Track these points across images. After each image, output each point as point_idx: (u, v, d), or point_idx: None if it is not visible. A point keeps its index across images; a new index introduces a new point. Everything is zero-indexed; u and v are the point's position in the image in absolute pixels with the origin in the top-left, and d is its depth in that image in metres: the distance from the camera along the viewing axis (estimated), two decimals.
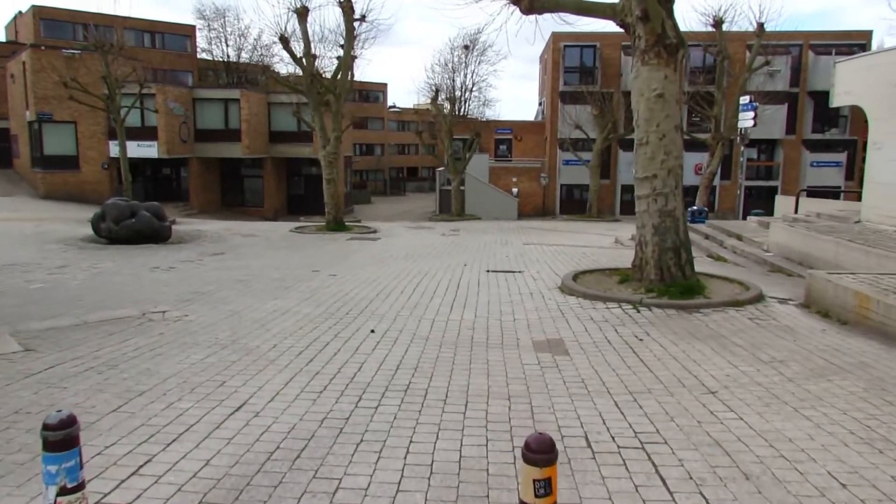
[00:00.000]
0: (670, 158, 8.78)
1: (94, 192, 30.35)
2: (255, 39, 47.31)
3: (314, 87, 19.80)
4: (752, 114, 19.42)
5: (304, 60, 19.23)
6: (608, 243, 18.69)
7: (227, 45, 55.25)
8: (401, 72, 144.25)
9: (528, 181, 39.83)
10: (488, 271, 11.69)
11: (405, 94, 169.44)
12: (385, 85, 70.66)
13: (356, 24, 18.82)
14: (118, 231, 15.25)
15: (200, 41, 54.86)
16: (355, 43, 19.22)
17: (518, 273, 11.44)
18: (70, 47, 31.84)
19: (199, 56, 54.86)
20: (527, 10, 9.60)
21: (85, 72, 28.05)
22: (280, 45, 18.95)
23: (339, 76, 19.62)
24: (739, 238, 14.94)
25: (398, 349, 6.12)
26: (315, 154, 35.52)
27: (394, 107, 77.63)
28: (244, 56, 54.91)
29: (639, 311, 7.81)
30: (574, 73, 38.72)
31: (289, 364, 5.56)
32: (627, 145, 38.37)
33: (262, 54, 19.43)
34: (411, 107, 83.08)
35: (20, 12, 50.26)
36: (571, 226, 28.02)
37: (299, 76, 20.73)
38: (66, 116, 30.85)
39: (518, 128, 44.19)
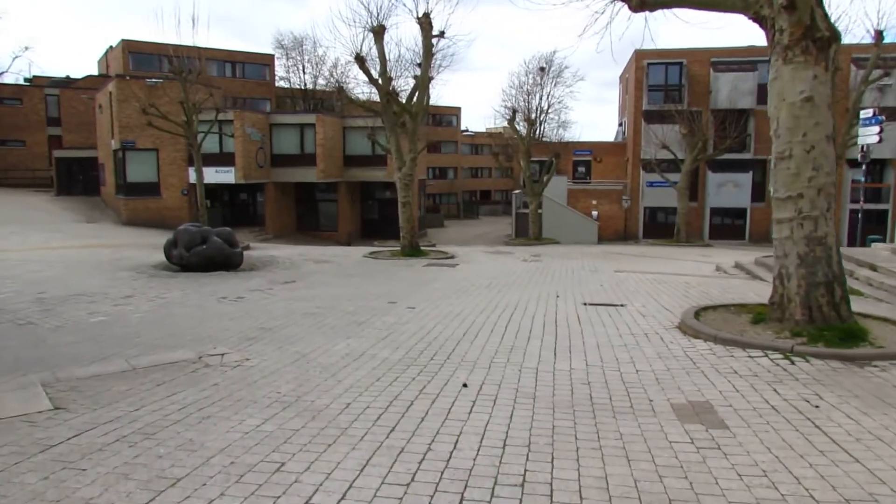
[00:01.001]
0: (820, 175, 7.20)
1: (174, 218, 30.63)
2: (331, 67, 47.71)
3: (390, 108, 19.01)
4: (876, 128, 17.27)
5: (379, 80, 18.49)
6: (709, 271, 16.88)
7: (304, 73, 56.19)
8: (472, 98, 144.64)
9: (609, 204, 37.99)
10: (585, 304, 10.28)
11: (477, 118, 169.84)
12: (458, 109, 70.28)
13: (435, 40, 17.95)
14: (189, 258, 14.70)
15: (278, 70, 56.07)
16: (433, 61, 18.33)
17: (620, 307, 9.97)
18: (153, 77, 32.57)
19: (276, 84, 55.99)
20: (637, 7, 8.29)
21: (167, 100, 28.44)
22: (356, 66, 18.25)
23: (415, 96, 18.77)
24: (873, 268, 12.93)
25: (500, 413, 4.83)
26: (389, 177, 35.03)
27: (466, 130, 77.21)
28: (320, 83, 55.65)
29: (793, 363, 6.24)
30: (658, 91, 36.84)
31: (364, 435, 4.36)
32: (716, 166, 36.04)
33: (337, 80, 19.09)
34: (484, 130, 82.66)
35: (111, 47, 52.75)
36: (660, 251, 26.09)
37: (375, 102, 20.01)
38: (149, 144, 31.45)
39: (597, 149, 42.49)
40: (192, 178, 30.76)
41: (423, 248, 20.24)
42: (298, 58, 55.03)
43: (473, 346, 7.04)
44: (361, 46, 18.04)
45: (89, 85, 47.69)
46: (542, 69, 38.25)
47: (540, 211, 33.10)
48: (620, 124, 46.23)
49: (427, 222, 45.06)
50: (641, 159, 36.66)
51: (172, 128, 22.75)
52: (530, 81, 36.57)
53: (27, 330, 8.62)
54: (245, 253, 18.97)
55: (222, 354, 6.70)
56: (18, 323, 9.11)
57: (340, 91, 18.98)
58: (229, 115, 30.70)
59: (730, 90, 34.15)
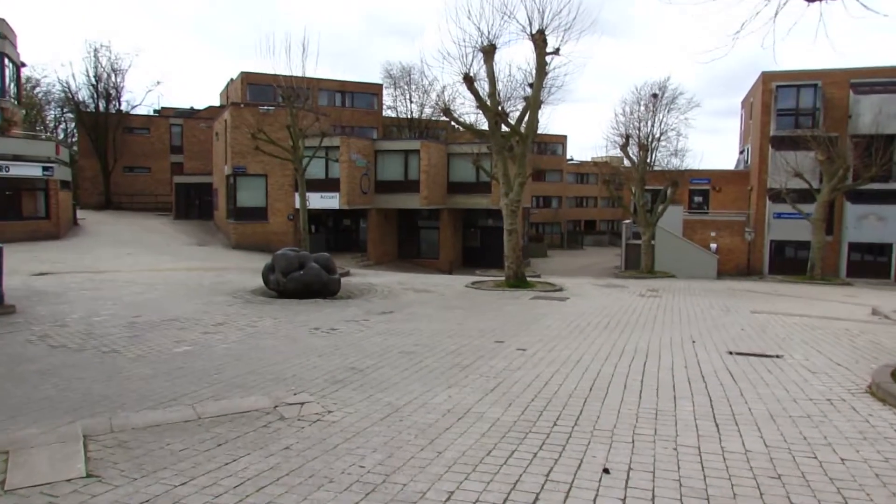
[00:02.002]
0: None
1: (279, 243, 30.90)
2: (438, 94, 47.59)
3: (498, 130, 17.92)
4: None
5: (488, 101, 17.47)
6: (864, 315, 14.45)
7: (411, 102, 56.67)
8: (577, 128, 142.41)
9: (730, 236, 35.03)
10: (731, 353, 8.54)
11: (582, 148, 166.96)
12: (564, 137, 68.63)
13: (549, 58, 16.74)
14: (286, 284, 14.08)
15: (386, 99, 56.85)
16: (545, 81, 17.12)
17: (777, 358, 8.17)
18: (267, 105, 33.37)
19: (384, 113, 56.78)
20: None
21: (277, 126, 28.88)
22: (462, 91, 17.34)
23: (525, 117, 17.59)
24: None
25: None
26: (492, 205, 33.96)
27: (572, 159, 75.33)
28: (427, 111, 55.89)
29: None
30: (789, 116, 33.79)
31: None
32: (857, 197, 32.42)
33: (444, 102, 18.43)
34: (589, 160, 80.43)
35: (232, 79, 55.43)
36: (794, 289, 23.28)
37: (483, 130, 18.98)
38: (258, 170, 32.07)
39: (716, 177, 39.57)
40: (299, 202, 31.04)
41: (528, 278, 18.84)
42: (406, 87, 55.59)
43: (606, 408, 5.60)
44: (471, 67, 17.12)
45: (210, 115, 50.18)
46: (654, 95, 36.20)
47: (653, 242, 30.84)
48: (742, 151, 43.03)
49: (530, 252, 43.51)
50: (768, 189, 33.60)
51: (279, 152, 22.75)
52: (642, 108, 34.61)
53: (108, 360, 8.01)
54: (343, 280, 18.31)
55: (302, 404, 5.63)
56: (103, 351, 8.56)
57: (447, 112, 18.05)
58: (336, 142, 30.79)
59: (875, 114, 30.67)
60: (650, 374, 6.99)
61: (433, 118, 56.49)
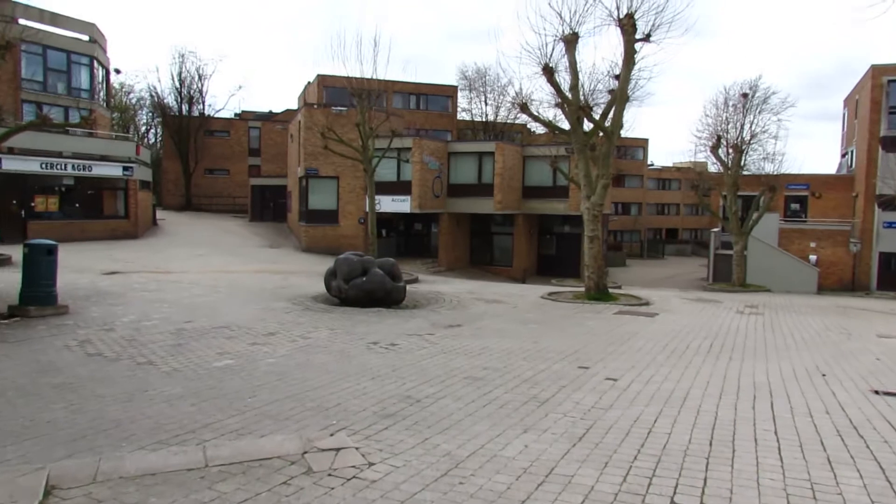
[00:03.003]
0: None
1: (349, 246, 30.29)
2: (514, 94, 46.10)
3: (580, 127, 16.44)
4: None
5: (570, 95, 16.04)
6: None
7: (486, 105, 55.51)
8: (657, 132, 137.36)
9: (832, 247, 31.97)
10: (877, 392, 6.85)
11: (662, 153, 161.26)
12: (645, 141, 65.72)
13: (638, 45, 15.16)
14: (347, 291, 13.10)
15: (461, 101, 55.92)
16: (633, 71, 15.53)
17: None
18: (340, 106, 32.93)
19: (458, 116, 55.85)
20: None
21: (350, 127, 28.32)
22: (540, 86, 15.97)
23: (611, 112, 16.04)
24: None
25: None
26: (570, 210, 32.24)
27: (652, 164, 72.17)
28: (502, 114, 54.61)
29: None
30: None
31: None
32: None
33: (521, 97, 17.12)
34: (671, 165, 76.95)
35: (309, 82, 55.86)
36: None
37: (563, 128, 17.49)
38: (331, 172, 31.62)
39: (815, 183, 36.37)
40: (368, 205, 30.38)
41: (610, 290, 17.21)
42: (481, 89, 54.48)
43: (739, 477, 4.15)
44: (550, 58, 15.74)
45: (286, 118, 50.64)
46: (744, 95, 33.59)
47: (745, 253, 28.36)
48: (844, 154, 39.54)
49: (609, 260, 41.35)
50: (878, 195, 30.44)
51: (348, 151, 22.00)
52: (731, 109, 32.09)
53: (140, 373, 7.16)
54: (410, 287, 17.26)
55: (337, 450, 4.46)
56: (138, 362, 7.74)
57: (524, 108, 16.72)
58: (408, 143, 29.94)
59: None
60: (784, 423, 5.45)
61: (509, 121, 55.13)
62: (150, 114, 59.54)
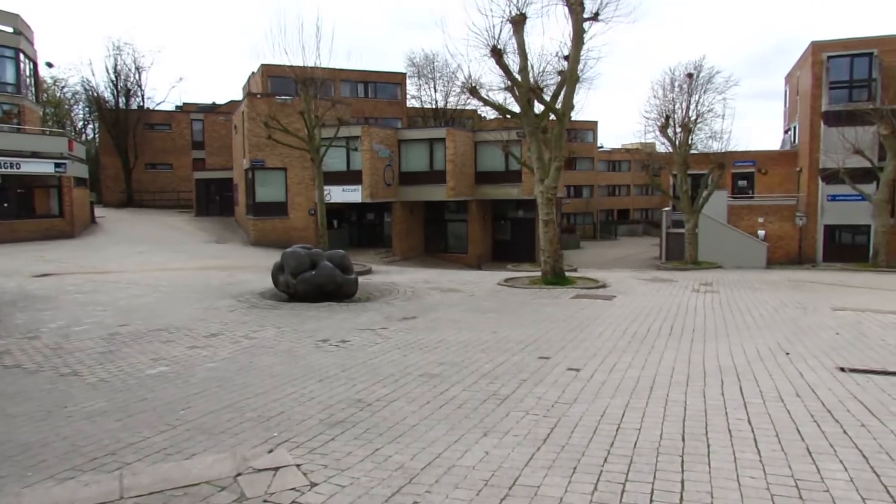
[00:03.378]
0: None
1: (300, 239, 29.46)
2: (464, 77, 45.61)
3: (530, 109, 16.10)
4: None
5: (519, 77, 15.65)
6: None
7: (436, 91, 54.87)
8: (604, 115, 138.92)
9: (779, 221, 32.59)
10: (843, 370, 6.68)
11: (610, 136, 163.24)
12: (595, 123, 66.12)
13: (587, 25, 14.85)
14: (296, 286, 12.49)
15: (410, 89, 55.13)
16: (583, 51, 15.20)
17: None
18: (284, 96, 31.88)
19: (408, 104, 55.09)
20: None
21: (296, 117, 27.42)
22: (488, 72, 15.50)
23: (561, 94, 15.72)
24: None
25: None
26: (523, 195, 32.08)
27: (602, 147, 72.77)
28: (452, 100, 54.08)
29: None
30: (842, 88, 31.18)
31: None
32: None
33: (470, 82, 16.57)
34: (620, 147, 77.78)
35: (253, 73, 54.24)
36: (862, 279, 21.02)
37: (514, 111, 17.10)
38: (277, 163, 30.64)
39: (761, 159, 37.04)
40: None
41: (567, 274, 16.99)
42: (429, 76, 53.80)
43: (718, 476, 3.81)
44: (498, 39, 15.31)
45: (231, 109, 49.04)
46: (689, 75, 33.90)
47: (696, 231, 28.65)
48: (787, 131, 40.38)
49: (563, 243, 41.44)
50: (821, 169, 31.10)
51: (294, 141, 21.20)
52: (676, 89, 32.30)
53: (61, 386, 6.50)
54: (363, 279, 16.70)
55: (276, 469, 3.95)
56: (62, 373, 7.06)
57: (474, 91, 16.28)
58: (357, 131, 29.19)
59: None
60: (756, 410, 5.17)
61: (459, 107, 54.66)
62: (86, 108, 56.96)
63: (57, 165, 27.57)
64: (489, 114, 57.39)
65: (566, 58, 15.91)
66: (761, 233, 31.89)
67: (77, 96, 58.04)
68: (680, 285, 16.50)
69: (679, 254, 30.27)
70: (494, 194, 33.05)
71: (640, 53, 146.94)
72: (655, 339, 8.50)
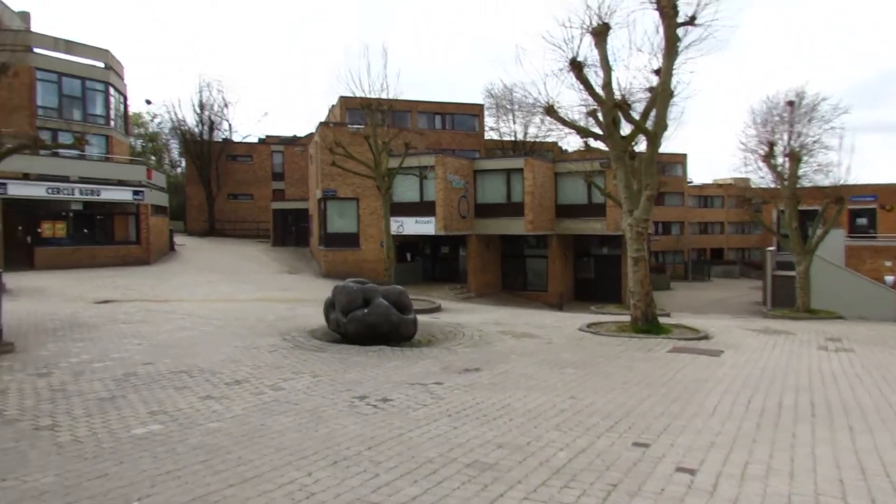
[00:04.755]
0: None
1: (371, 271, 28.38)
2: (538, 101, 43.97)
3: (616, 130, 14.23)
4: None
5: (602, 93, 13.85)
6: None
7: (514, 123, 53.48)
8: (692, 149, 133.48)
9: None
10: None
11: (700, 171, 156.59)
12: (684, 156, 62.79)
13: (681, 31, 12.93)
14: (346, 325, 11.01)
15: (488, 121, 54.05)
16: (675, 62, 13.27)
17: None
18: (357, 125, 31.23)
19: (486, 136, 53.97)
20: None
21: (367, 146, 26.59)
22: (571, 79, 13.78)
23: (653, 110, 13.79)
24: None
25: None
26: (608, 230, 29.84)
27: (692, 182, 69.07)
28: (531, 131, 52.55)
29: None
30: None
31: None
32: None
33: (547, 105, 15.00)
34: (711, 182, 73.69)
35: (333, 105, 54.76)
36: None
37: (596, 133, 15.30)
38: (350, 193, 29.89)
39: (886, 193, 33.19)
40: (392, 228, 28.45)
41: (660, 320, 14.75)
42: (508, 107, 52.48)
43: None
44: (578, 52, 13.62)
45: (309, 141, 49.44)
46: (790, 103, 30.89)
47: (808, 274, 25.44)
48: None
49: (652, 284, 38.65)
50: None
51: (361, 169, 20.08)
52: (776, 118, 29.30)
53: (23, 445, 5.29)
54: (429, 318, 15.11)
55: None
56: (39, 425, 5.91)
57: (550, 111, 14.59)
58: (430, 161, 27.99)
59: None
60: None
61: (539, 139, 53.02)
62: (177, 141, 59.17)
63: (135, 193, 27.77)
64: (570, 145, 55.48)
65: (656, 71, 14.00)
66: (889, 278, 28.16)
67: (174, 132, 60.61)
68: (799, 339, 13.91)
69: (787, 300, 27.05)
70: (576, 229, 30.95)
71: (724, 87, 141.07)
72: (795, 423, 6.36)
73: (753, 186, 33.37)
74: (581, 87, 13.83)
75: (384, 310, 10.97)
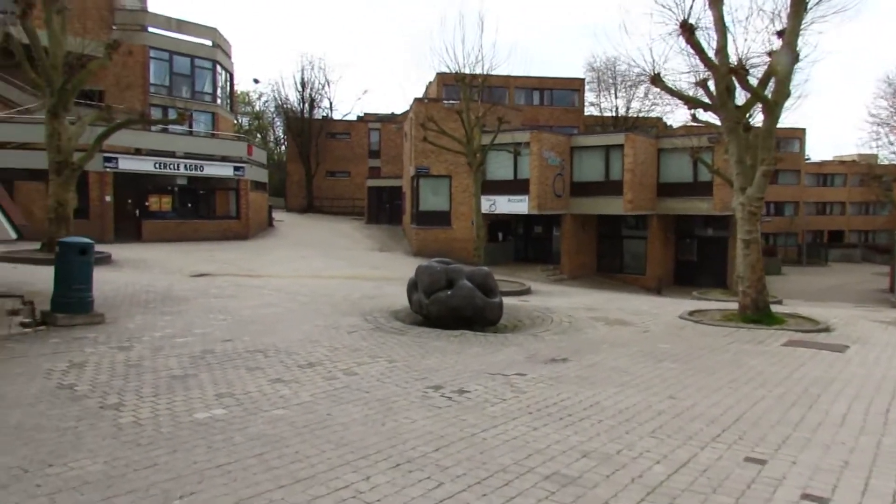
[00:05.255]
0: None
1: (461, 250, 27.97)
2: (646, 84, 41.75)
3: (730, 99, 12.88)
4: None
5: (715, 59, 12.54)
6: None
7: (616, 98, 51.24)
8: (810, 124, 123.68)
9: None
10: None
11: (819, 147, 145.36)
12: (802, 131, 58.10)
13: None
14: (428, 306, 10.56)
15: (589, 96, 52.09)
16: (804, 18, 11.77)
17: None
18: (452, 101, 30.70)
19: (586, 112, 52.07)
20: None
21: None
22: (682, 39, 12.53)
23: (772, 75, 12.34)
24: None
25: None
26: (715, 210, 27.87)
27: (808, 158, 63.93)
28: (634, 106, 50.22)
29: None
30: None
31: None
32: None
33: (652, 73, 13.79)
34: (831, 159, 68.10)
35: (430, 82, 54.49)
36: None
37: (704, 102, 14.00)
38: (443, 171, 29.49)
39: None
40: (484, 206, 27.84)
41: (773, 309, 13.37)
42: (611, 81, 50.31)
43: None
44: (689, 13, 12.36)
45: (405, 118, 49.49)
46: None
47: None
48: None
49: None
50: None
51: (452, 144, 19.55)
52: None
53: (83, 425, 5.19)
54: (515, 302, 14.45)
55: None
56: (106, 403, 5.77)
57: (656, 80, 13.42)
58: (525, 137, 27.05)
59: None
60: None
61: (642, 114, 50.58)
62: (280, 119, 60.98)
63: (236, 169, 28.59)
64: (676, 120, 52.62)
65: (779, 33, 12.50)
66: None
67: (277, 109, 62.53)
68: None
69: None
70: (679, 209, 29.15)
71: (850, 54, 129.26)
72: None
73: (883, 163, 30.27)
74: (692, 51, 12.59)
75: (468, 292, 10.42)
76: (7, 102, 27.49)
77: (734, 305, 13.82)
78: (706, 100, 13.59)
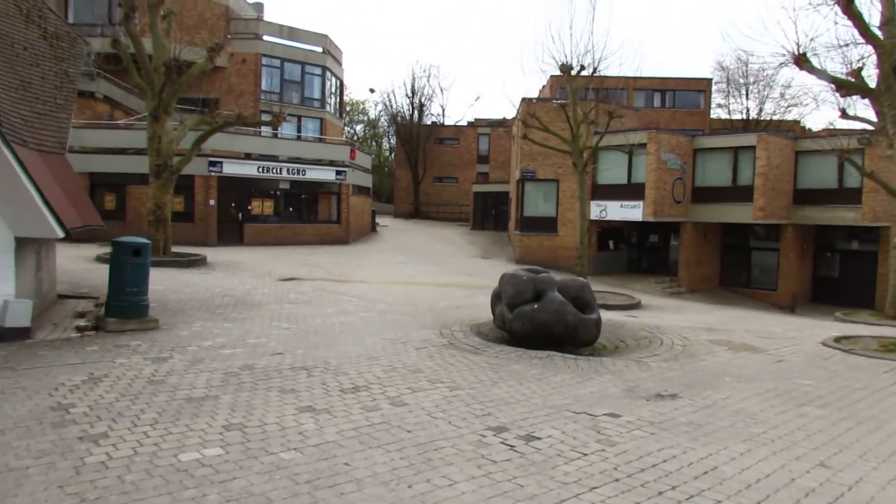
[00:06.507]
0: None
1: (568, 259, 26.08)
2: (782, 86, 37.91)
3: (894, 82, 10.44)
4: None
5: (880, 33, 10.19)
6: None
7: (748, 98, 47.05)
8: None
9: None
10: None
11: None
12: None
13: None
14: (511, 321, 9.06)
15: (716, 97, 48.23)
16: None
17: None
18: (562, 100, 28.89)
19: (712, 114, 48.26)
20: None
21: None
22: (838, 9, 10.27)
23: None
24: None
25: None
26: (864, 220, 24.29)
27: None
28: (768, 108, 45.90)
29: None
30: None
31: None
32: None
33: (798, 54, 11.64)
34: None
35: (543, 86, 52.75)
36: None
37: (869, 92, 11.58)
38: (550, 174, 27.72)
39: None
40: (594, 212, 25.83)
41: None
42: (742, 80, 46.27)
43: None
44: None
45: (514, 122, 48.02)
46: None
47: None
48: None
49: None
50: None
51: (554, 141, 17.89)
52: None
53: (34, 469, 4.02)
54: (621, 318, 12.55)
55: None
56: (90, 431, 4.74)
57: (801, 60, 11.15)
58: (642, 138, 24.78)
59: None
60: None
61: (776, 116, 46.16)
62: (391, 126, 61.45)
63: (338, 173, 28.31)
64: (816, 123, 47.61)
65: None
66: None
67: (389, 117, 63.15)
68: None
69: None
70: (820, 218, 25.65)
71: None
72: None
73: None
74: (849, 23, 10.31)
75: (558, 306, 8.82)
76: (128, 111, 28.78)
77: (890, 331, 11.27)
78: (870, 83, 11.18)
